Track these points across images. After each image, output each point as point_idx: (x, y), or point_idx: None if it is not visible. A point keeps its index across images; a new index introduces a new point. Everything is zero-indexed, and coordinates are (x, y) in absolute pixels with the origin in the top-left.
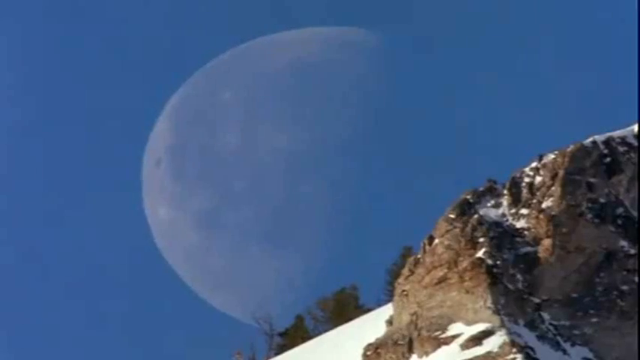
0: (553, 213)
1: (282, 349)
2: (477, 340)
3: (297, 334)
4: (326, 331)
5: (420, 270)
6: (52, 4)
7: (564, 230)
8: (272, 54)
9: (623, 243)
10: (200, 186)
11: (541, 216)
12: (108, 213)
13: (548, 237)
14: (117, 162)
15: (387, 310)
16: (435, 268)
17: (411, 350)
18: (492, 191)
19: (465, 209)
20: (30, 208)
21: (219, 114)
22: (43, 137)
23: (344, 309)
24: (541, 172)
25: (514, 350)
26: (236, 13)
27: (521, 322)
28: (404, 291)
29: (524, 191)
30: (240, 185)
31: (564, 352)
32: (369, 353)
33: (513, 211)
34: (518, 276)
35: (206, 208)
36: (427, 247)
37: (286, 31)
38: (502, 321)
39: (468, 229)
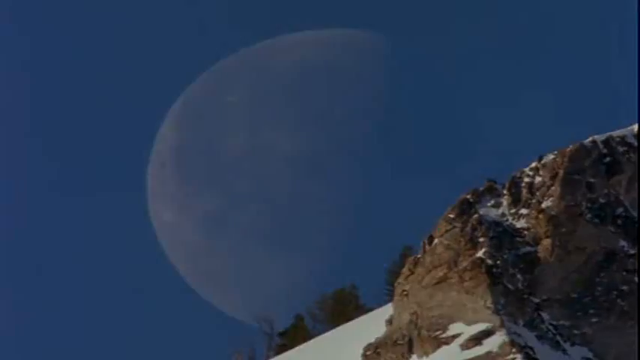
0: (553, 213)
1: (282, 348)
2: (477, 340)
3: (297, 333)
4: (326, 330)
5: (420, 270)
6: (53, 5)
7: (564, 230)
8: (276, 56)
9: (623, 243)
10: (204, 188)
11: (541, 216)
12: (112, 214)
13: (547, 237)
14: (122, 164)
15: (387, 310)
16: (434, 267)
17: (411, 350)
18: (492, 191)
19: (465, 209)
20: (31, 208)
21: (224, 116)
22: (44, 137)
23: (344, 309)
24: (541, 172)
25: (514, 350)
26: (241, 17)
27: (521, 322)
28: (404, 291)
29: (524, 191)
30: (243, 187)
31: (564, 351)
32: (369, 353)
33: (513, 211)
34: (518, 276)
35: (210, 209)
36: (427, 247)
37: (290, 34)
38: (502, 321)
39: (468, 228)
